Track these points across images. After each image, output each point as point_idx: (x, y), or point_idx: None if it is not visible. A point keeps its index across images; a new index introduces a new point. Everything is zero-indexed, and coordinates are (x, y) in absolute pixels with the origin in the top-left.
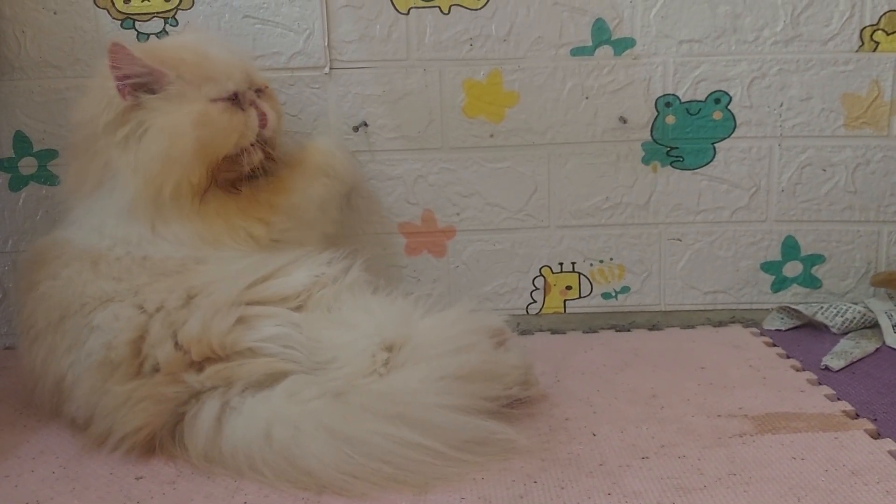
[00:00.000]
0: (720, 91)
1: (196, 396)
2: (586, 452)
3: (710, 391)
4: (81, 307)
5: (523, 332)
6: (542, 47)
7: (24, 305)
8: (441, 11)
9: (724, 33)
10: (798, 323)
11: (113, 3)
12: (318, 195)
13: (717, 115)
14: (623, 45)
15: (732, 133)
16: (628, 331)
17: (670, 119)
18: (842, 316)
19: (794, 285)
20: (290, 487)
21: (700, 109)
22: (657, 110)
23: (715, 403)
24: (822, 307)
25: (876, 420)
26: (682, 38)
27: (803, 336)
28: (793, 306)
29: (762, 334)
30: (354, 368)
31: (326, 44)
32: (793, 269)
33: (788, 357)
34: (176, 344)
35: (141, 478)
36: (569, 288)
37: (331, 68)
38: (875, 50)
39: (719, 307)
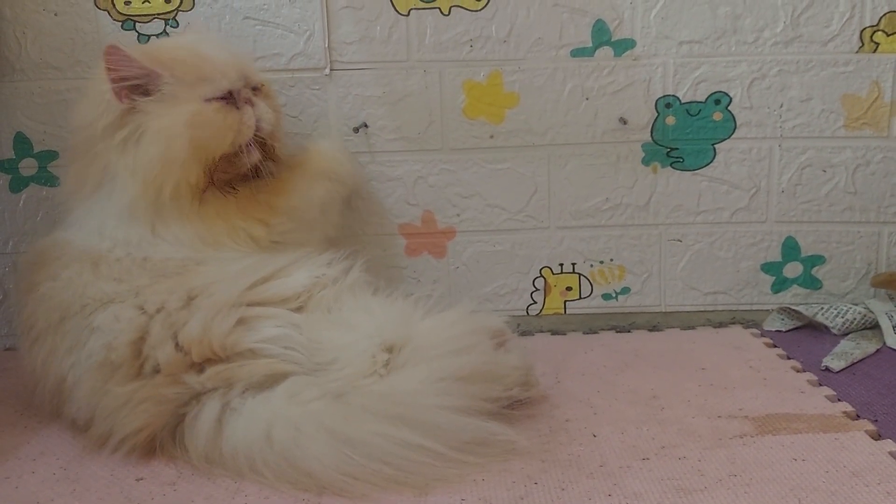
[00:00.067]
0: (720, 92)
1: (196, 397)
2: (587, 453)
3: (710, 392)
4: (82, 308)
5: (523, 333)
6: (542, 48)
7: (25, 306)
8: (441, 13)
9: (725, 34)
10: (798, 324)
11: (113, 5)
12: (319, 198)
13: (718, 116)
14: (623, 47)
15: (732, 134)
16: (629, 332)
17: (670, 120)
18: (842, 317)
19: (795, 286)
20: (291, 488)
21: (700, 110)
22: (657, 111)
23: (715, 404)
24: (822, 308)
25: (876, 421)
26: (682, 39)
27: (804, 337)
28: (793, 307)
29: (762, 335)
30: (355, 369)
31: (327, 45)
32: (793, 269)
33: (789, 358)
34: (176, 345)
35: (141, 479)
36: (569, 289)
37: (331, 69)
38: (875, 51)
39: (720, 308)
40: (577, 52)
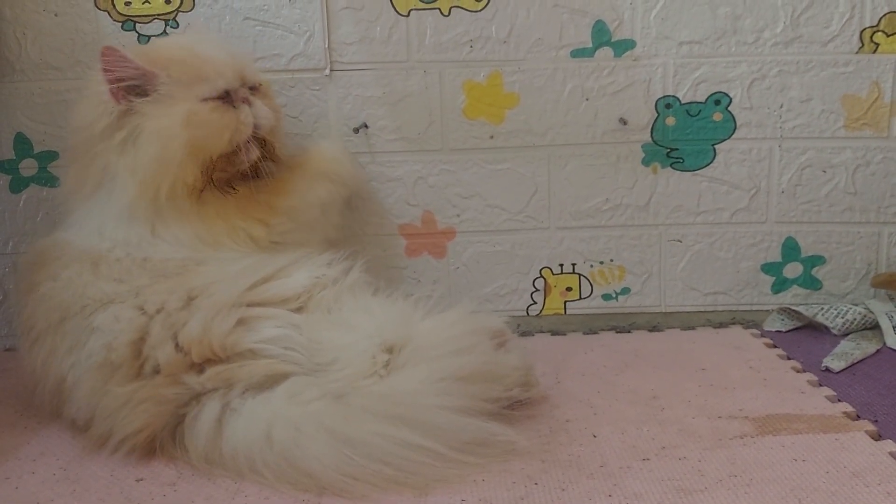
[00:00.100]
0: (720, 92)
1: (196, 398)
2: (587, 454)
3: (710, 392)
4: (82, 308)
5: (523, 334)
6: (542, 49)
7: (25, 307)
8: (441, 13)
9: (725, 35)
10: (798, 324)
11: (114, 5)
12: (320, 198)
13: (718, 117)
14: (623, 47)
15: (732, 134)
16: (629, 332)
17: (670, 120)
18: (842, 317)
19: (795, 286)
20: (291, 489)
21: (700, 111)
22: (657, 112)
23: (715, 405)
24: (822, 308)
25: (877, 421)
26: (682, 40)
27: (804, 337)
28: (793, 307)
29: (763, 335)
30: (355, 370)
31: (327, 46)
32: (793, 270)
33: (789, 358)
34: (176, 345)
35: (141, 479)
36: (569, 289)
37: (331, 70)
38: (875, 51)
39: (720, 308)
40: (577, 53)
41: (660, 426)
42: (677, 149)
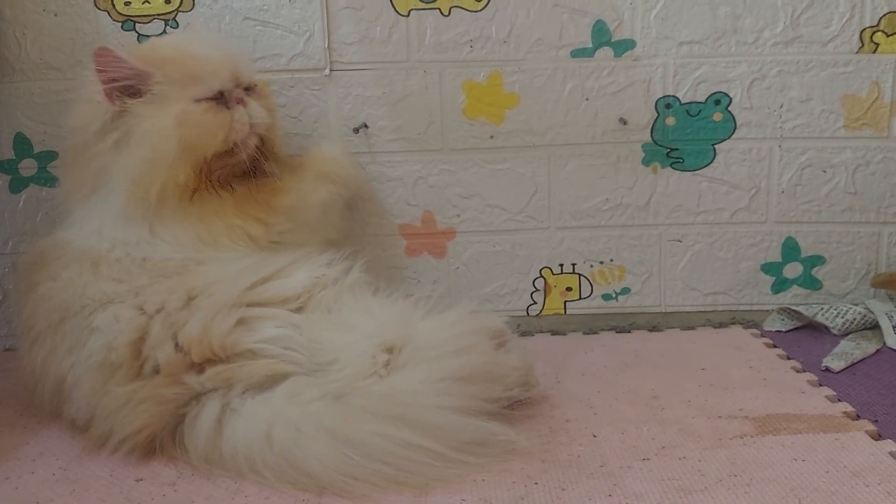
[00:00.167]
0: (720, 92)
1: (196, 398)
2: (587, 454)
3: (710, 392)
4: (82, 308)
5: (523, 334)
6: (542, 49)
7: (25, 307)
8: (441, 13)
9: (724, 35)
10: (798, 324)
11: (113, 5)
12: (321, 199)
13: (718, 117)
14: (623, 47)
15: (732, 134)
16: (629, 332)
17: (670, 120)
18: (842, 317)
19: (795, 286)
20: (291, 489)
21: (700, 111)
22: (657, 112)
23: (715, 405)
24: (822, 308)
25: (877, 421)
26: (682, 40)
27: (804, 337)
28: (793, 307)
29: (762, 335)
30: (355, 370)
31: (327, 45)
32: (793, 270)
33: (789, 358)
34: (176, 345)
35: (141, 479)
36: (569, 289)
37: (331, 70)
38: (875, 51)
39: (720, 308)
40: (577, 53)
41: (660, 426)
42: (677, 149)
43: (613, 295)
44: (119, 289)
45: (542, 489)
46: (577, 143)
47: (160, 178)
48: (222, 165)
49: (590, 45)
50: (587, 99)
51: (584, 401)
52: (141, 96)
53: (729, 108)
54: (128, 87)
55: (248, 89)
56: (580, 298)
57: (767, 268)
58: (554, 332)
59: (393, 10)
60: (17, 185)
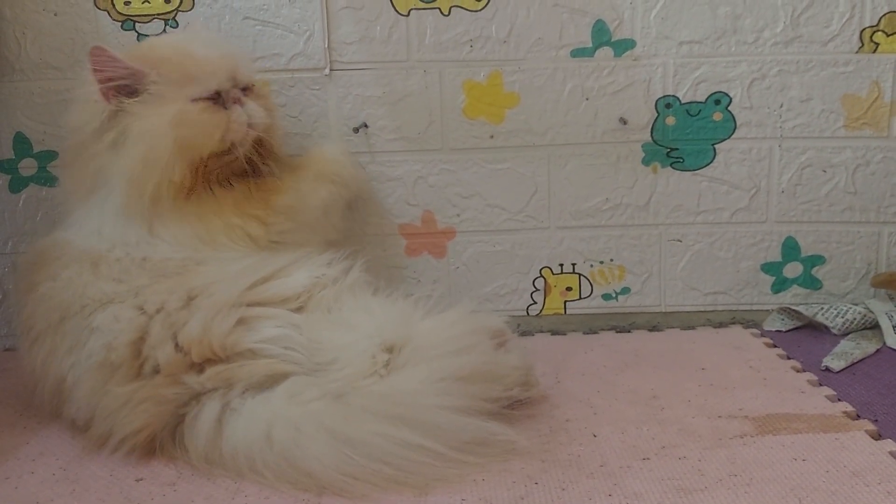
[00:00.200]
0: (720, 92)
1: (196, 398)
2: (587, 454)
3: (710, 392)
4: (81, 308)
5: (523, 334)
6: (542, 48)
7: (25, 307)
8: (441, 13)
9: (725, 34)
10: (798, 324)
11: (113, 5)
12: (322, 199)
13: (718, 117)
14: (623, 47)
15: (732, 134)
16: (629, 332)
17: (670, 120)
18: (842, 317)
19: (795, 286)
20: (291, 489)
21: (700, 110)
22: (657, 111)
23: (715, 404)
24: (822, 308)
25: (877, 421)
26: (682, 40)
27: (804, 337)
28: (793, 307)
29: (762, 335)
30: (355, 370)
31: (327, 45)
32: (793, 270)
33: (789, 358)
34: (176, 345)
35: (141, 479)
36: (569, 289)
37: (331, 70)
38: (875, 51)
39: (720, 308)
40: (577, 53)
41: (660, 426)
42: (677, 148)
43: (613, 295)
44: (119, 289)
45: (542, 489)
46: (577, 142)
47: (155, 178)
48: (219, 165)
49: (590, 45)
50: (587, 99)
51: (584, 401)
52: (137, 95)
53: (729, 108)
54: (124, 87)
55: (246, 89)
56: (580, 298)
57: (767, 267)
58: (554, 332)
59: (393, 9)
60: (17, 184)
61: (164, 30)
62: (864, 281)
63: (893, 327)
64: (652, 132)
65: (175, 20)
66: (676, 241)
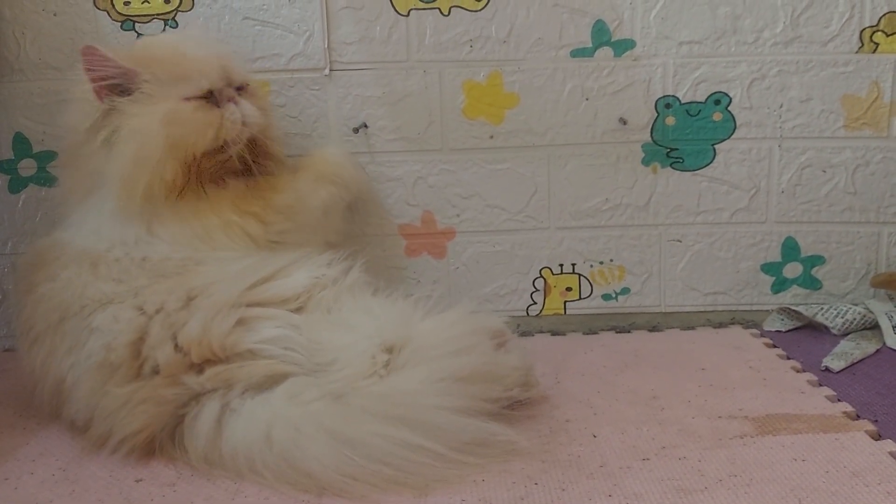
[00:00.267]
0: (720, 92)
1: (196, 398)
2: (587, 454)
3: (710, 392)
4: (81, 309)
5: (523, 334)
6: (542, 49)
7: (24, 307)
8: (441, 13)
9: (724, 35)
10: (798, 324)
11: (113, 5)
12: (322, 200)
13: (717, 117)
14: (623, 47)
15: (732, 134)
16: (628, 332)
17: (670, 120)
18: (842, 317)
19: (795, 286)
20: (291, 489)
21: (700, 111)
22: (657, 111)
23: (715, 405)
24: (822, 308)
25: (877, 421)
26: (682, 40)
27: (803, 337)
28: (793, 307)
29: (762, 335)
30: (355, 370)
31: (326, 45)
32: (793, 270)
33: (789, 358)
34: (176, 346)
35: (141, 480)
36: (569, 289)
37: (331, 70)
38: (875, 51)
39: (719, 308)
40: (577, 53)
41: (660, 426)
42: (677, 149)
43: (613, 295)
44: (118, 289)
45: (542, 489)
46: (576, 143)
47: (146, 176)
48: (213, 164)
49: (590, 45)
50: (587, 99)
51: (584, 401)
52: (130, 94)
53: (729, 108)
54: (116, 86)
55: (241, 88)
56: (580, 298)
57: (767, 268)
58: (554, 333)
59: (393, 9)
60: (17, 185)
61: (164, 30)
62: (863, 281)
63: (893, 327)
64: (652, 132)
65: (175, 20)
66: (676, 242)
